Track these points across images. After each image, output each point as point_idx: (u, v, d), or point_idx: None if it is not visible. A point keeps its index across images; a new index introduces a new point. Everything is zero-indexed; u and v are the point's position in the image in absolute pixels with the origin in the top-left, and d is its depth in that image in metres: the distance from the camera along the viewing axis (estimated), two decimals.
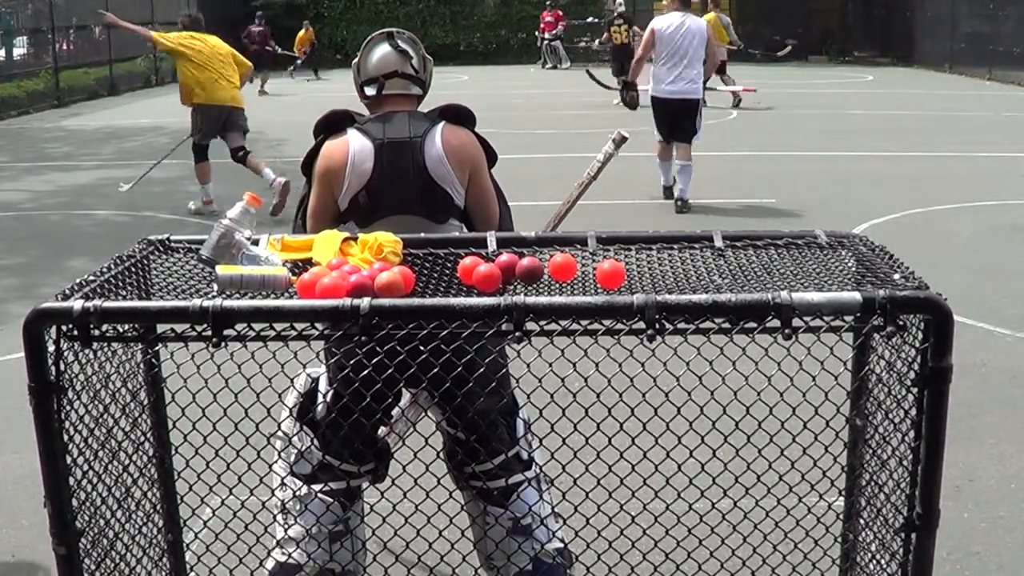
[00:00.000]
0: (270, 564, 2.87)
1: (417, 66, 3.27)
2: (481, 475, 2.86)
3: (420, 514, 2.37)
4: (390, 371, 2.06)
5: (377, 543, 2.51)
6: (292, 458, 2.88)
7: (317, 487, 2.83)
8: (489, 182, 3.21)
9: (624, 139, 4.21)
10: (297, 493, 2.82)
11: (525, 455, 2.91)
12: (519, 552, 2.76)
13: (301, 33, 25.95)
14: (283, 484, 2.81)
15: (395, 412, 2.95)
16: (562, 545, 2.90)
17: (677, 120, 9.59)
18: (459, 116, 3.17)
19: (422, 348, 1.96)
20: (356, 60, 3.30)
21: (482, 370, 2.09)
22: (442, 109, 3.19)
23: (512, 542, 2.75)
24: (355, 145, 3.04)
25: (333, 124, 3.11)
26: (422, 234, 2.59)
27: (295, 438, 2.88)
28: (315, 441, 2.86)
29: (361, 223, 3.02)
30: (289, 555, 2.86)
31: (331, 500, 2.83)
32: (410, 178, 3.02)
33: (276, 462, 2.85)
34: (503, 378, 2.61)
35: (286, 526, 2.87)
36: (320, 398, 2.85)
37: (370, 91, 3.23)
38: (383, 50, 3.24)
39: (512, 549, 2.75)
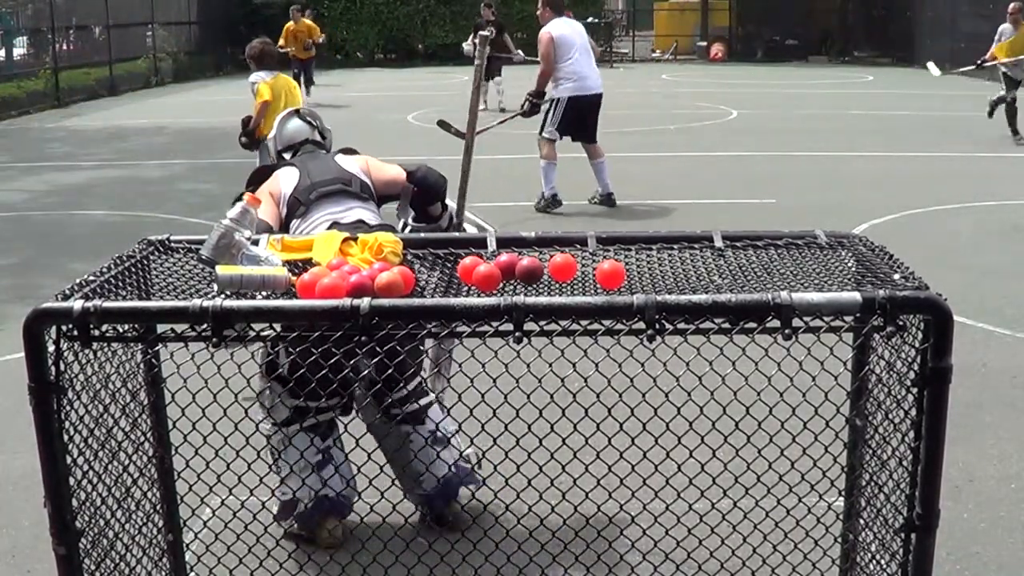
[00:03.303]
0: (276, 507, 3.42)
1: (322, 134, 4.12)
2: (398, 401, 3.42)
3: None
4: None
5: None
6: (268, 410, 3.36)
7: (296, 427, 3.39)
8: (383, 164, 3.89)
9: (486, 38, 4.65)
10: (274, 440, 3.37)
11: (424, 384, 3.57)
12: (441, 458, 3.27)
13: (290, 25, 18.63)
14: (268, 436, 3.34)
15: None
16: (471, 454, 3.53)
17: (585, 117, 9.22)
18: (350, 151, 4.00)
19: None
20: (271, 135, 4.15)
21: None
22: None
23: (433, 451, 3.28)
24: (283, 173, 3.79)
25: (262, 176, 3.88)
26: (423, 234, 2.60)
27: (267, 391, 3.37)
28: (284, 392, 3.33)
29: (301, 212, 3.58)
30: (282, 496, 3.37)
31: (311, 435, 3.38)
32: (330, 170, 3.74)
33: (260, 414, 3.29)
34: None
35: (279, 469, 3.34)
36: (284, 355, 3.28)
37: (288, 156, 4.04)
38: (295, 124, 4.12)
39: (434, 457, 3.25)
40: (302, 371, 2.87)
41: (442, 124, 6.70)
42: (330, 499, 3.35)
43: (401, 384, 3.42)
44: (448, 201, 3.93)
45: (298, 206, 3.60)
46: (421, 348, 3.39)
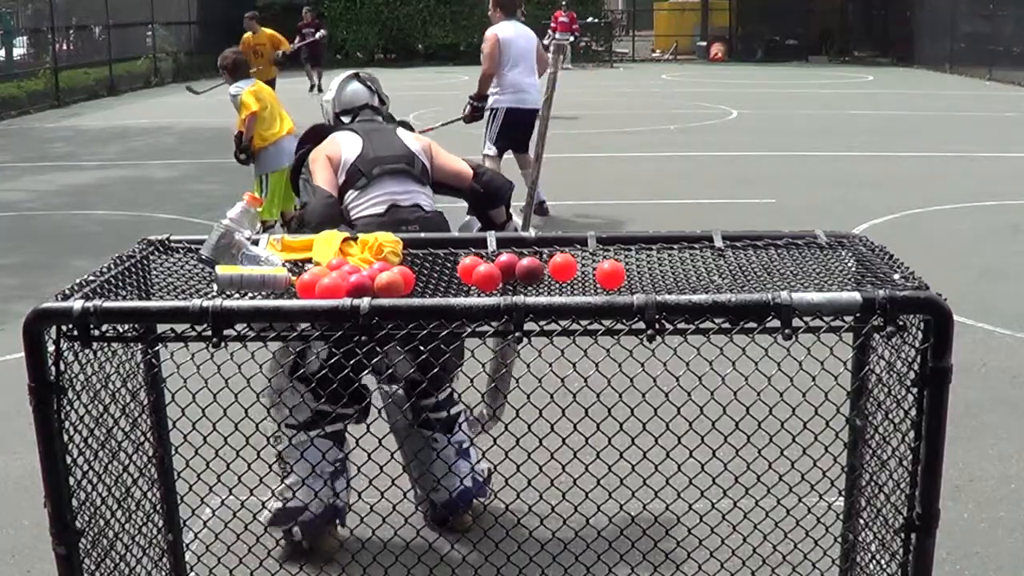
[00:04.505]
0: (264, 516, 3.24)
1: (381, 100, 4.04)
2: (431, 407, 3.42)
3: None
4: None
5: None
6: (287, 411, 3.22)
7: (314, 432, 3.24)
8: (447, 153, 3.84)
9: (561, 46, 4.70)
10: (294, 442, 3.23)
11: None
12: (461, 469, 3.42)
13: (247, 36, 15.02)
14: (280, 436, 3.22)
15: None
16: (484, 468, 3.58)
17: (526, 131, 8.40)
18: (406, 125, 3.95)
19: None
20: (329, 98, 4.00)
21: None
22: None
23: (455, 460, 3.40)
24: (343, 138, 3.69)
25: (318, 134, 3.78)
26: (422, 234, 2.60)
27: (287, 393, 3.21)
28: (307, 394, 3.21)
29: (361, 184, 3.54)
30: (288, 500, 3.23)
31: (329, 443, 3.25)
32: (394, 146, 3.68)
33: (271, 413, 3.13)
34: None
35: (285, 474, 3.23)
36: (312, 355, 3.18)
37: (346, 119, 3.91)
38: (355, 87, 4.00)
39: (455, 469, 3.38)
40: (327, 374, 2.77)
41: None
42: (336, 507, 3.32)
43: (436, 388, 3.39)
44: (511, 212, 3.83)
45: (359, 177, 3.55)
46: (455, 356, 3.27)
